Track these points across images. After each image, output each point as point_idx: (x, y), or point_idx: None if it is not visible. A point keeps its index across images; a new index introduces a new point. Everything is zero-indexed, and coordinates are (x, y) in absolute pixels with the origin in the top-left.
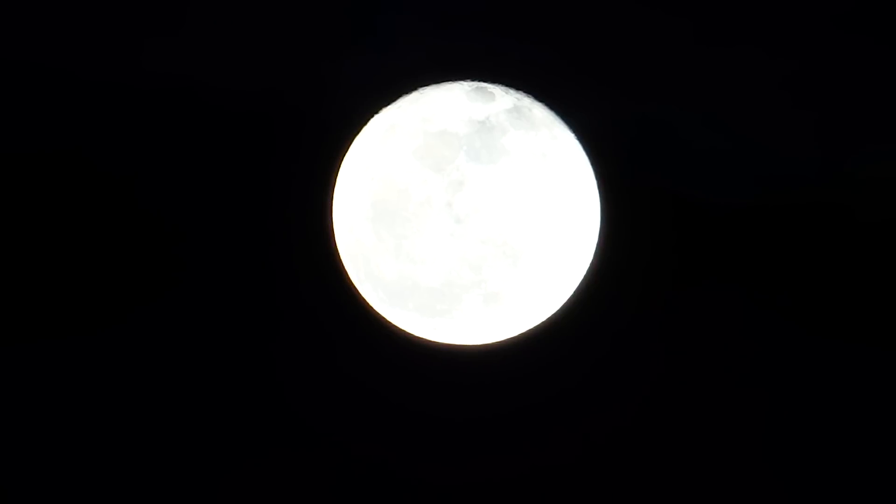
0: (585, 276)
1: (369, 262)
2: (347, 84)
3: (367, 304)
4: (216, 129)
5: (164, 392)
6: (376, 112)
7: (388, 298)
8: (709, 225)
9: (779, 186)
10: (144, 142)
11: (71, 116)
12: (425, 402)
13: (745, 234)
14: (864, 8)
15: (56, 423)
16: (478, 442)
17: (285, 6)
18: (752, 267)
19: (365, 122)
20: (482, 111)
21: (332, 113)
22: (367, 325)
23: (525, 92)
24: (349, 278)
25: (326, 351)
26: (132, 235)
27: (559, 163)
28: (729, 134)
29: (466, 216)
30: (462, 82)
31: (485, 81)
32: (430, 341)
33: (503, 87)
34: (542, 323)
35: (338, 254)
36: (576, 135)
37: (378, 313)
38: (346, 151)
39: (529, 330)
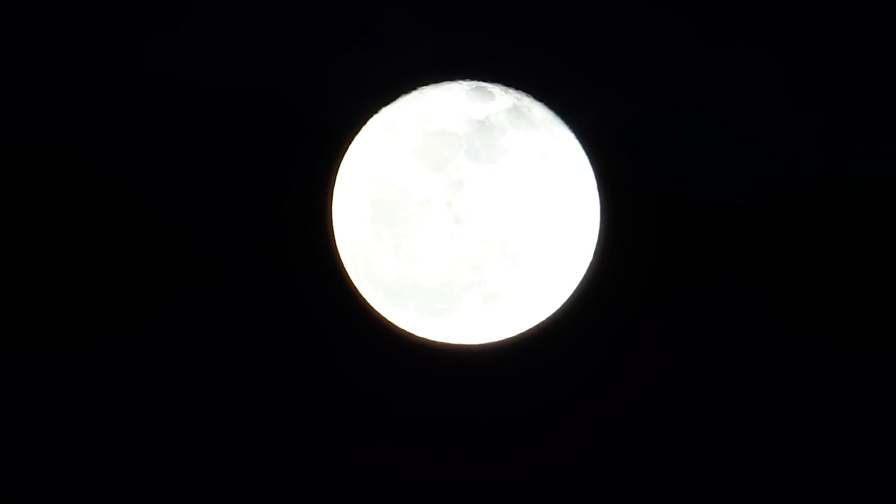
0: (585, 276)
1: (369, 261)
2: (347, 84)
3: (367, 303)
4: (216, 129)
5: (164, 392)
6: (376, 112)
7: (388, 298)
8: (709, 225)
9: (779, 187)
10: (144, 141)
11: (70, 116)
12: (425, 401)
13: (744, 235)
14: (864, 9)
15: (55, 424)
16: (478, 441)
17: (285, 6)
18: (752, 267)
19: (365, 122)
20: (482, 111)
21: (332, 113)
22: (367, 325)
23: (525, 91)
24: (349, 278)
25: (326, 351)
26: (131, 235)
27: (559, 162)
28: (729, 134)
29: (466, 216)
30: (461, 82)
31: (484, 81)
32: (430, 341)
33: (503, 87)
34: (542, 323)
35: (338, 254)
36: (575, 135)
37: (378, 313)
38: (346, 151)
39: (529, 330)
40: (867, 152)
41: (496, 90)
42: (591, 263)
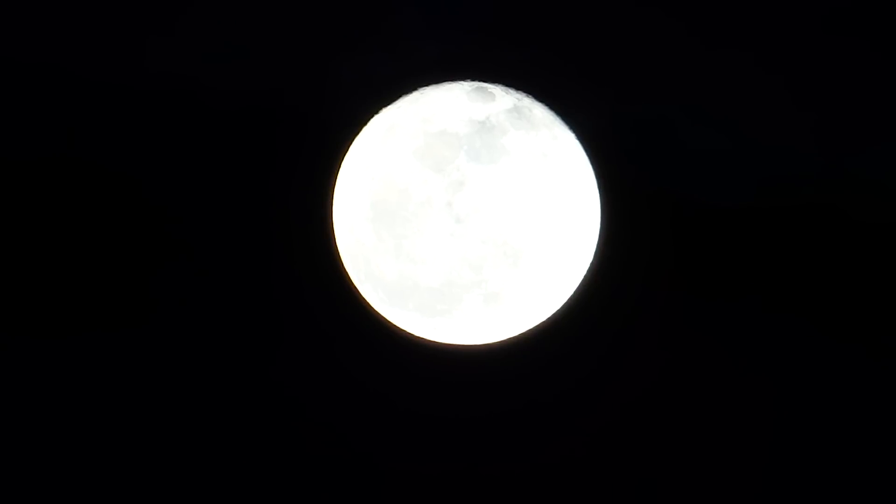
0: (585, 276)
1: (369, 262)
2: (347, 84)
3: (368, 304)
4: (216, 129)
5: (163, 392)
6: (376, 112)
7: (388, 298)
8: (708, 225)
9: (778, 187)
10: (144, 142)
11: (69, 116)
12: (425, 401)
13: (744, 235)
14: (864, 10)
15: (54, 423)
16: (478, 441)
17: (286, 6)
18: (752, 267)
19: (365, 123)
20: (482, 111)
21: (332, 113)
22: (367, 325)
23: (525, 92)
24: (349, 278)
25: (326, 351)
26: (131, 235)
27: (559, 163)
28: (729, 135)
29: (467, 216)
30: (462, 82)
31: (485, 81)
32: (431, 341)
33: (503, 88)
34: (542, 323)
35: (338, 254)
36: (576, 135)
37: (378, 313)
38: (346, 151)
39: (529, 330)
40: (866, 153)
41: (497, 91)
42: (592, 264)
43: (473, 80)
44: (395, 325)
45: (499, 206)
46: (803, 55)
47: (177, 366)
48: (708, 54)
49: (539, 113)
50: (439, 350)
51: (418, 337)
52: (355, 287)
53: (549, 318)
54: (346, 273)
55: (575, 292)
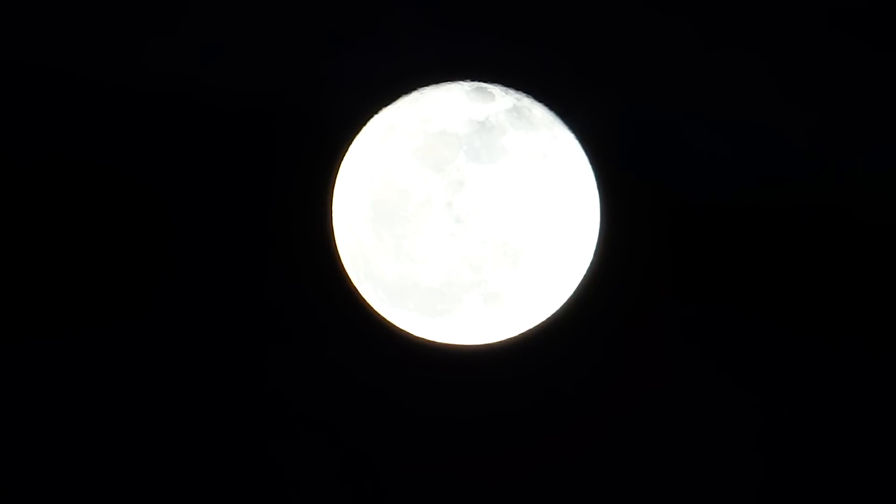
0: (585, 276)
1: (369, 262)
2: (347, 84)
3: (367, 304)
4: (216, 129)
5: (162, 391)
6: (376, 112)
7: (388, 298)
8: (708, 225)
9: (779, 187)
10: (143, 142)
11: (68, 117)
12: (425, 401)
13: (744, 235)
14: (864, 10)
15: (51, 420)
16: (478, 441)
17: (285, 6)
18: (752, 268)
19: (365, 122)
20: (482, 111)
21: (332, 113)
22: (367, 326)
23: (525, 92)
24: (349, 278)
25: (327, 351)
26: (131, 235)
27: (559, 163)
28: (729, 135)
29: (466, 216)
30: (462, 82)
31: (484, 81)
32: (431, 341)
33: (503, 88)
34: (542, 323)
35: (338, 254)
36: (576, 135)
37: (378, 313)
38: (346, 151)
39: (529, 330)
40: (866, 153)
41: (496, 91)
42: (591, 264)
43: (473, 80)
44: (395, 325)
45: (498, 205)
46: (804, 55)
47: (176, 366)
48: (708, 54)
49: (539, 113)
50: (439, 350)
51: (418, 337)
52: (355, 287)
53: (548, 318)
54: (346, 273)
55: (575, 292)
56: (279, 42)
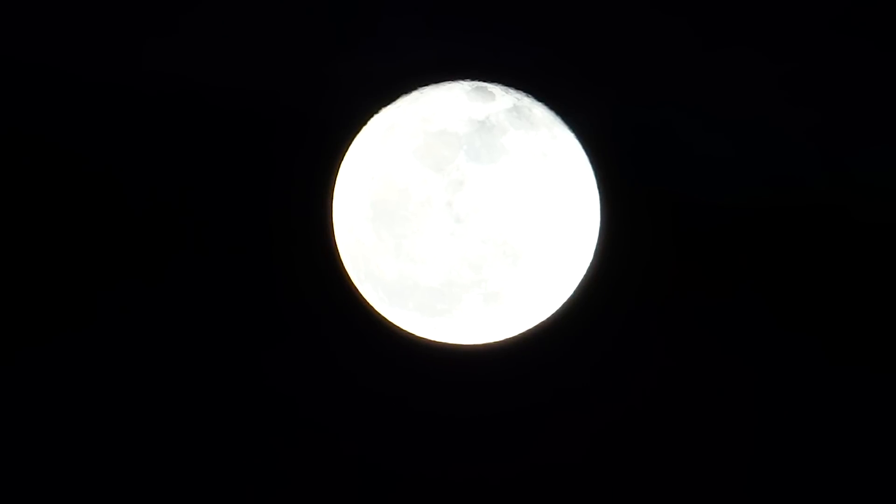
0: (585, 276)
1: (369, 261)
2: (347, 84)
3: (367, 303)
4: (215, 130)
5: (161, 391)
6: (376, 112)
7: (388, 298)
8: (709, 226)
9: (779, 188)
10: (143, 142)
11: (68, 117)
12: (425, 401)
13: (744, 235)
14: (865, 10)
15: (51, 422)
16: (478, 441)
17: (285, 6)
18: (752, 268)
19: (365, 122)
20: (482, 111)
21: (331, 113)
22: (367, 325)
23: (525, 92)
24: (349, 278)
25: (326, 351)
26: (131, 235)
27: (559, 163)
28: (729, 134)
29: (466, 216)
30: (462, 82)
31: (485, 81)
32: (431, 341)
33: (503, 87)
34: (542, 323)
35: (338, 254)
36: (576, 135)
37: (378, 313)
38: (346, 151)
39: (529, 330)
40: (868, 154)
41: (496, 90)
42: (592, 264)
43: (473, 79)
44: (395, 325)
45: (499, 205)
46: (804, 55)
47: (175, 366)
48: (708, 54)
49: (539, 112)
50: (439, 350)
51: (418, 337)
52: (355, 287)
53: (549, 318)
54: (346, 273)
55: (575, 292)
56: (279, 42)
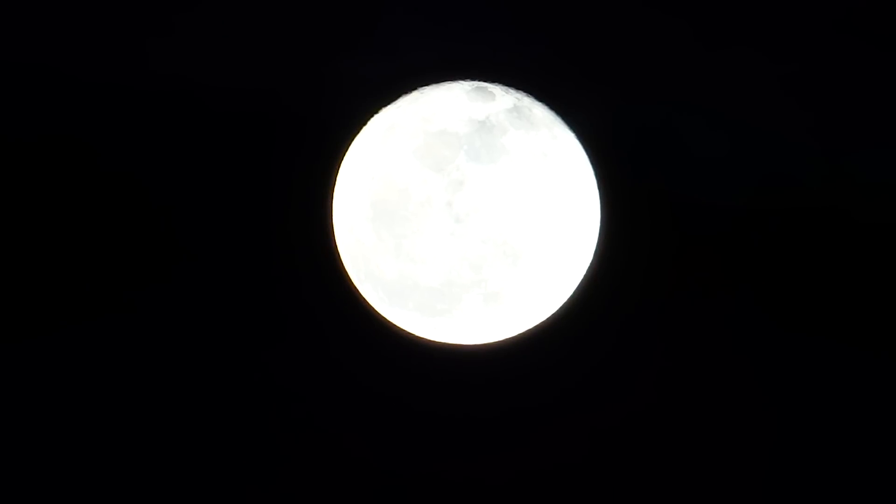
0: (585, 276)
1: (369, 261)
2: (348, 84)
3: (368, 303)
4: (216, 130)
5: (161, 391)
6: (376, 112)
7: (388, 298)
8: (708, 226)
9: (779, 188)
10: (144, 143)
11: (68, 117)
12: (426, 401)
13: (744, 235)
14: (865, 10)
15: (52, 419)
16: (478, 441)
17: (285, 6)
18: (752, 268)
19: (365, 122)
20: (482, 111)
21: (332, 113)
22: (367, 325)
23: (525, 92)
24: (349, 278)
25: (326, 351)
26: (131, 235)
27: (559, 163)
28: (729, 134)
29: (466, 216)
30: (462, 82)
31: (485, 81)
32: (431, 341)
33: (503, 87)
34: (542, 323)
35: (338, 254)
36: (576, 135)
37: (378, 313)
38: (346, 151)
39: (529, 330)
40: (867, 154)
41: (496, 90)
42: (591, 264)
43: (473, 79)
44: (395, 325)
45: (498, 205)
46: (804, 55)
47: (175, 367)
48: (708, 54)
49: (539, 112)
50: (439, 350)
51: (418, 337)
52: (355, 287)
53: (549, 318)
54: (346, 273)
55: (575, 292)
56: (278, 42)
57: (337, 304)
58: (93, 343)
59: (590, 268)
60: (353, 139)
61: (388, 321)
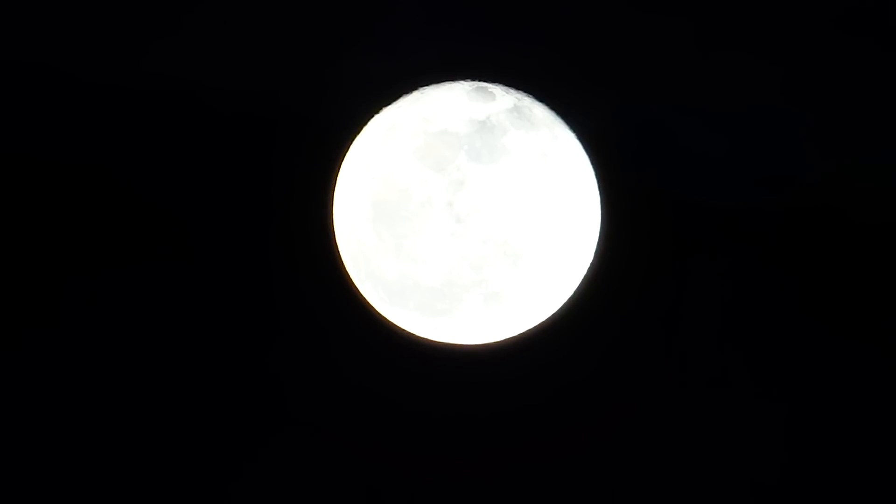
0: (586, 277)
1: (370, 261)
2: (347, 84)
3: (368, 303)
4: (216, 131)
5: (161, 391)
6: (376, 112)
7: (388, 298)
8: (709, 226)
9: (779, 189)
10: (143, 143)
11: (68, 118)
12: (426, 401)
13: (745, 236)
14: (865, 10)
15: (48, 419)
16: (478, 441)
17: (285, 6)
18: (752, 268)
19: (365, 122)
20: (483, 111)
21: (332, 113)
22: (367, 325)
23: (526, 92)
24: (349, 278)
25: (326, 351)
26: (131, 235)
27: (560, 163)
28: (730, 135)
29: (467, 216)
30: (462, 82)
31: (485, 81)
32: (431, 341)
33: (503, 87)
34: (543, 323)
35: (338, 254)
36: (577, 135)
37: (379, 313)
38: (346, 151)
39: (529, 330)
40: (868, 155)
41: (497, 90)
42: (592, 264)
43: (474, 79)
44: (395, 325)
45: (499, 205)
46: (805, 55)
47: (174, 367)
48: (709, 55)
49: (539, 112)
50: (439, 349)
51: (419, 337)
52: (355, 287)
53: (549, 318)
54: (347, 273)
55: (575, 292)
56: (279, 42)
57: (337, 304)
58: (92, 343)
59: (590, 268)
60: (353, 139)
61: (389, 321)
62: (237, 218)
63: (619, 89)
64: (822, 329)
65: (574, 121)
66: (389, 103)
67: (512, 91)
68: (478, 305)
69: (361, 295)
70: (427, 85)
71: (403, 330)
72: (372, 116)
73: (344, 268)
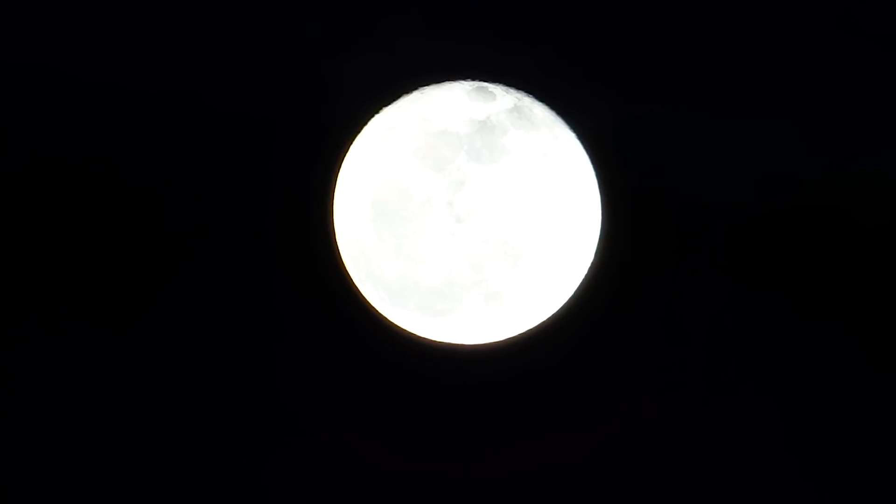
0: (586, 276)
1: (370, 261)
2: (348, 84)
3: (368, 303)
4: (216, 130)
5: (161, 392)
6: (376, 112)
7: (388, 298)
8: (709, 226)
9: (779, 189)
10: (143, 143)
11: (68, 118)
12: (426, 400)
13: (745, 236)
14: (865, 10)
15: (52, 422)
16: (479, 441)
17: (285, 6)
18: (753, 269)
19: (365, 122)
20: (483, 111)
21: (332, 113)
22: (367, 325)
23: (526, 92)
24: (350, 278)
25: (327, 351)
26: (130, 236)
27: (560, 163)
28: (731, 135)
29: (467, 215)
30: (463, 82)
31: (485, 81)
32: (431, 340)
33: (504, 87)
34: (543, 323)
35: (338, 254)
36: (577, 135)
37: (379, 313)
38: (347, 151)
39: (530, 330)
40: (869, 155)
41: (497, 90)
42: (592, 264)
43: (474, 79)
44: (395, 325)
45: (499, 205)
46: (805, 55)
47: (174, 368)
48: (710, 55)
49: (540, 112)
50: (440, 349)
51: (419, 336)
52: (355, 287)
53: (549, 318)
54: (347, 273)
55: (575, 292)
56: (279, 42)
57: (337, 304)
58: (92, 343)
59: (591, 268)
60: (353, 139)
61: (389, 321)
62: (237, 218)
63: (619, 89)
64: (822, 329)
65: (574, 121)
66: (389, 103)
67: (512, 91)
68: (478, 305)
69: (362, 295)
70: (427, 85)
71: (404, 330)
72: (372, 116)
73: (344, 268)
